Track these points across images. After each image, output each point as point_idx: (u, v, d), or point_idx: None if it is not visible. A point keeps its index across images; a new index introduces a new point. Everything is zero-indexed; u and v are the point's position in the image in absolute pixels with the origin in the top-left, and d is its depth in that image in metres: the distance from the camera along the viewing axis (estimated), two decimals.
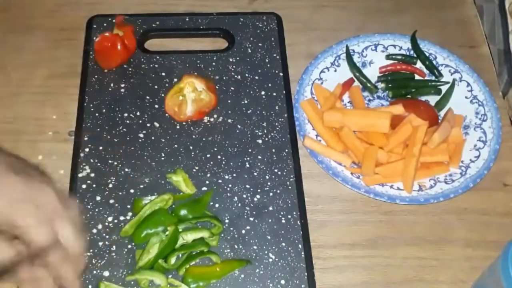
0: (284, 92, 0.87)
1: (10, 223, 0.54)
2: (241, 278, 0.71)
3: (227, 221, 0.75)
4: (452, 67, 0.89)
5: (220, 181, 0.79)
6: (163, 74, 0.88)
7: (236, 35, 0.92)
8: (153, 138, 0.82)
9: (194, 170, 0.79)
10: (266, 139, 0.83)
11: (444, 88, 0.88)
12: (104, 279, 0.70)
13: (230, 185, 0.78)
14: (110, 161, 0.79)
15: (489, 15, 0.95)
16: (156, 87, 0.86)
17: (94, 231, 0.74)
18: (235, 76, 0.88)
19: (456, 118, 0.84)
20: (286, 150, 0.82)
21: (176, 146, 0.81)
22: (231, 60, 0.90)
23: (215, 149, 0.81)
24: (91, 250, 0.72)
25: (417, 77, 0.90)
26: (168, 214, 0.73)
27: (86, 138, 0.81)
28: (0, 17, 0.93)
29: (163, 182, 0.78)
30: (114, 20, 0.92)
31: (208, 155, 0.81)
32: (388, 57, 0.91)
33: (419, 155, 0.78)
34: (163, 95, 0.85)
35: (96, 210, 0.75)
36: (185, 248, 0.72)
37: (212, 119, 0.84)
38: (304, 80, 0.87)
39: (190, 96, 0.82)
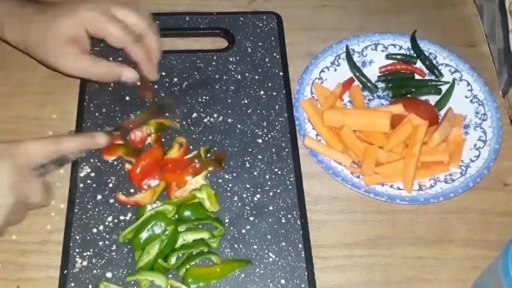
0: (284, 91, 0.87)
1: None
2: (241, 278, 0.71)
3: (227, 220, 0.75)
4: (452, 67, 0.89)
5: (220, 180, 0.79)
6: (163, 73, 0.88)
7: (236, 34, 0.92)
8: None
9: None
10: (266, 138, 0.83)
11: (444, 88, 0.88)
12: (104, 279, 0.70)
13: (230, 185, 0.78)
14: (110, 161, 0.79)
15: (489, 14, 0.95)
16: (156, 86, 0.86)
17: (94, 231, 0.74)
18: (235, 76, 0.88)
19: (456, 118, 0.84)
20: (286, 150, 0.82)
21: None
22: (231, 59, 0.90)
23: (215, 149, 0.81)
24: (91, 250, 0.72)
25: (417, 76, 0.90)
26: (166, 217, 0.72)
27: None
28: None
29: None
30: None
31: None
32: (388, 56, 0.91)
33: (419, 155, 0.78)
34: (163, 94, 0.85)
35: (96, 210, 0.75)
36: (185, 248, 0.72)
37: (212, 119, 0.84)
38: (304, 79, 0.87)
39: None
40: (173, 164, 0.78)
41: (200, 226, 0.74)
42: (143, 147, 0.80)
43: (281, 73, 0.89)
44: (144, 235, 0.71)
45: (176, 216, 0.74)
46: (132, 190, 0.77)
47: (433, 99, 0.88)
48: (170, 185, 0.77)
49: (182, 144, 0.80)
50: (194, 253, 0.72)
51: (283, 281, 0.71)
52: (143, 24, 0.77)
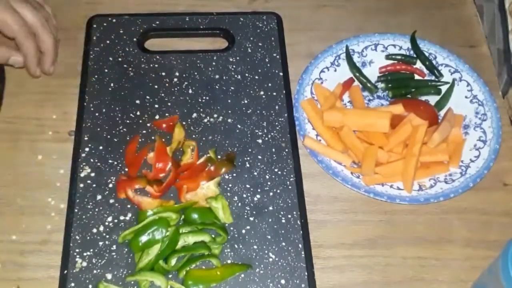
0: (284, 92, 0.87)
1: None
2: (241, 278, 0.71)
3: None
4: (452, 67, 0.89)
5: (220, 181, 0.79)
6: (163, 74, 0.88)
7: (236, 35, 0.92)
8: (153, 137, 0.82)
9: None
10: (266, 138, 0.83)
11: (444, 88, 0.88)
12: (103, 279, 0.70)
13: (230, 185, 0.78)
14: (110, 161, 0.79)
15: (489, 14, 0.95)
16: (156, 87, 0.86)
17: (94, 231, 0.74)
18: (235, 76, 0.88)
19: (456, 118, 0.84)
20: (286, 150, 0.82)
21: None
22: (231, 60, 0.90)
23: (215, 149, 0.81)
24: (91, 250, 0.72)
25: (417, 77, 0.90)
26: (169, 224, 0.72)
27: (86, 138, 0.81)
28: None
29: None
30: (114, 20, 0.92)
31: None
32: (388, 57, 0.91)
33: (419, 155, 0.78)
34: (163, 94, 0.85)
35: (96, 210, 0.75)
36: (186, 249, 0.72)
37: (212, 119, 0.84)
38: (304, 79, 0.87)
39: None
40: (189, 170, 0.78)
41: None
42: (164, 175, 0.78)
43: (281, 73, 0.89)
44: (143, 238, 0.71)
45: (181, 218, 0.74)
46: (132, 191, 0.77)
47: (433, 99, 0.88)
48: (181, 188, 0.76)
49: (193, 149, 0.80)
50: (195, 255, 0.72)
51: (283, 281, 0.71)
52: (36, 22, 0.77)
